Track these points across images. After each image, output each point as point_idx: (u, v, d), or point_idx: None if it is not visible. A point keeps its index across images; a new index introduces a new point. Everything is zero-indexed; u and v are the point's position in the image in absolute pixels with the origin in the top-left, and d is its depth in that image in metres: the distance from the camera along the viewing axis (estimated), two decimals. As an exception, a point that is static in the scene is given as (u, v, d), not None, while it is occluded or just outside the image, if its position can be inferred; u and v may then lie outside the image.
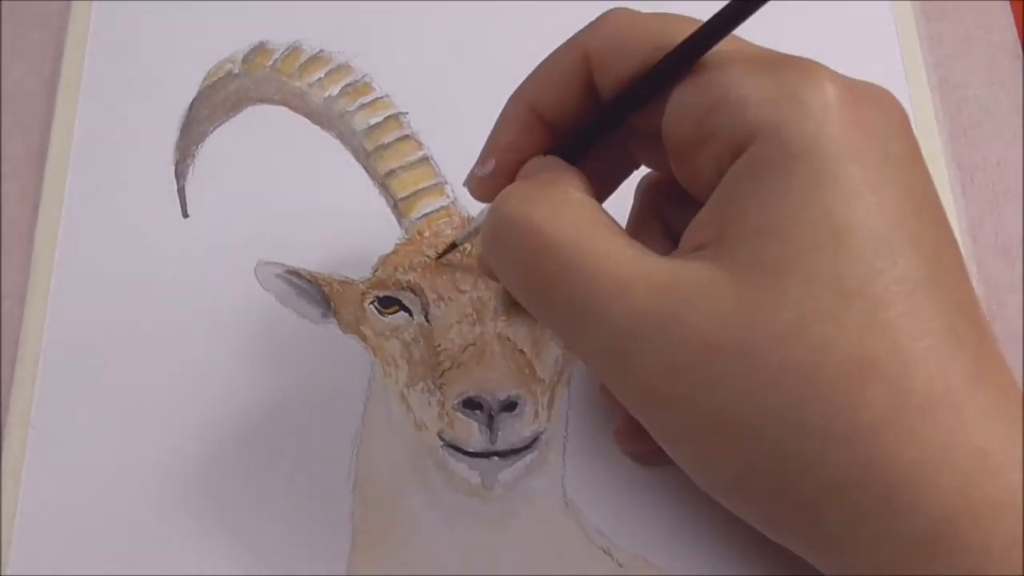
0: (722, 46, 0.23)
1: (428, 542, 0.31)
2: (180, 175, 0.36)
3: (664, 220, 0.29)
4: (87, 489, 0.31)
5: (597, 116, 0.26)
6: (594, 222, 0.23)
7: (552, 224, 0.23)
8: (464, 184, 0.29)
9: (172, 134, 0.36)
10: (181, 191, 0.36)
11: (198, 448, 0.32)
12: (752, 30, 0.38)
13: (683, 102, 0.23)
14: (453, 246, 0.32)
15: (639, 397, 0.22)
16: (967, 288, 0.22)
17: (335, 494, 0.31)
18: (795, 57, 0.23)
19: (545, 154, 0.27)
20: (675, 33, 0.23)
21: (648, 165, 0.28)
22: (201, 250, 0.35)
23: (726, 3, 0.22)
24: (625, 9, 0.25)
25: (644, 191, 0.30)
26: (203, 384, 0.33)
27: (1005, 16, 0.39)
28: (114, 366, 0.33)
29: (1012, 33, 0.39)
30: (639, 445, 0.31)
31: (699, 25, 0.23)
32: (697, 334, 0.21)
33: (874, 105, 0.22)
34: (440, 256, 0.33)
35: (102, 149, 0.36)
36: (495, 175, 0.27)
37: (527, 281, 0.24)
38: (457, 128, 0.36)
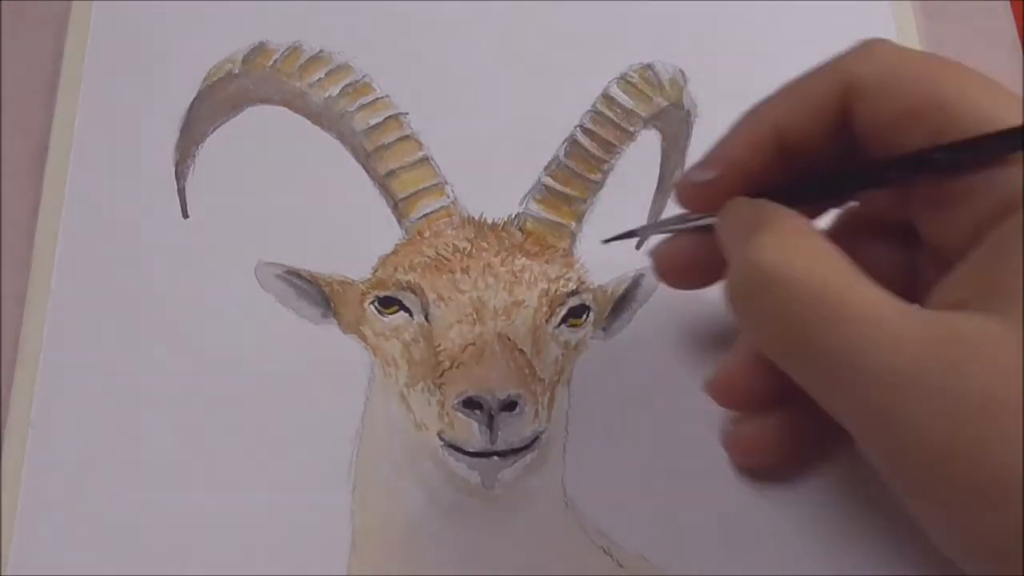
0: (990, 99, 0.22)
1: (428, 542, 0.31)
2: (180, 175, 0.36)
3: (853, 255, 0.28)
4: (87, 489, 0.31)
5: (858, 169, 0.24)
6: (853, 273, 0.22)
7: (815, 275, 0.22)
8: (672, 185, 0.27)
9: (172, 134, 0.36)
10: (181, 191, 0.36)
11: (197, 448, 0.32)
12: (752, 30, 0.38)
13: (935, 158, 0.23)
14: (632, 234, 0.31)
15: (908, 450, 0.21)
16: None
17: (335, 494, 0.31)
18: None
19: (766, 186, 0.25)
20: (952, 85, 0.22)
21: (867, 204, 0.27)
22: (201, 250, 0.35)
23: None
24: (890, 41, 0.24)
25: (842, 221, 0.28)
26: (203, 384, 0.33)
27: (1005, 16, 0.39)
28: (114, 366, 0.33)
29: (1012, 33, 0.39)
30: (756, 460, 0.30)
31: (976, 80, 0.22)
32: (977, 389, 0.20)
33: None
34: (610, 240, 0.31)
35: (102, 149, 0.36)
36: (713, 186, 0.26)
37: (787, 335, 0.23)
38: (457, 128, 0.36)
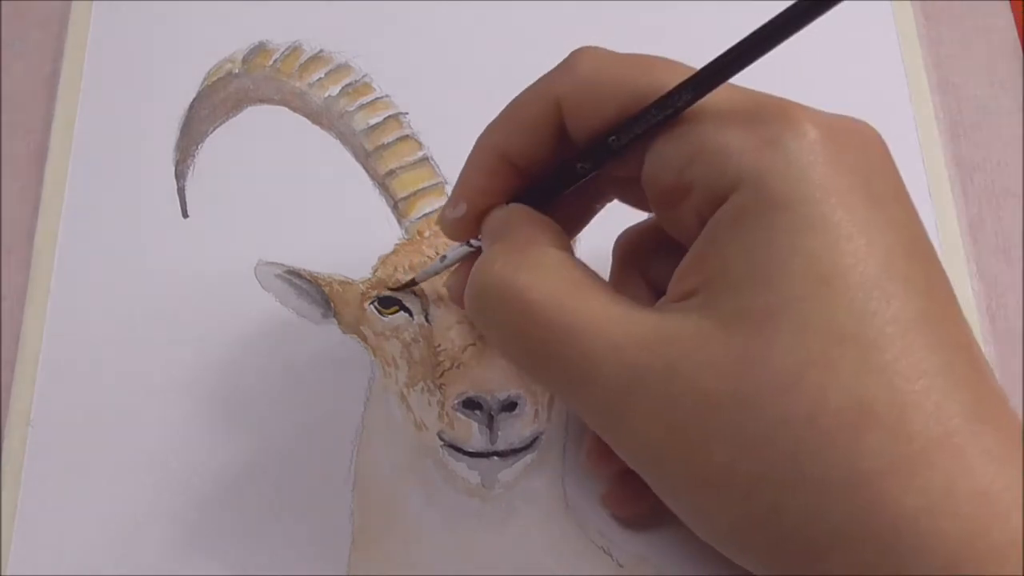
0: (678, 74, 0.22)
1: (428, 542, 0.31)
2: (180, 175, 0.36)
3: (647, 273, 0.29)
4: (87, 489, 0.31)
5: (569, 165, 0.25)
6: (578, 282, 0.23)
7: (536, 289, 0.23)
8: (435, 223, 0.28)
9: (172, 134, 0.36)
10: (181, 191, 0.36)
11: (197, 448, 0.32)
12: (752, 30, 0.38)
13: (663, 152, 0.23)
14: (413, 283, 0.32)
15: (637, 452, 0.22)
16: (962, 325, 0.22)
17: (335, 494, 0.31)
18: (774, 99, 0.22)
19: (516, 196, 0.26)
20: (651, 79, 0.23)
21: (627, 203, 0.28)
22: (201, 250, 0.35)
23: (711, 60, 0.22)
24: (596, 50, 0.24)
25: (623, 245, 0.29)
26: (203, 385, 0.33)
27: (1005, 16, 0.39)
28: (114, 366, 0.33)
29: (1012, 33, 0.39)
30: (629, 509, 0.30)
31: (674, 70, 0.23)
32: (692, 387, 0.21)
33: (855, 143, 0.22)
34: (396, 290, 0.32)
35: (102, 149, 0.36)
36: (466, 218, 0.27)
37: (517, 346, 0.24)
38: (457, 128, 0.36)
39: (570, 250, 0.25)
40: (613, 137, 0.23)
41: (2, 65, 0.38)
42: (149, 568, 0.30)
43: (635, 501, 0.30)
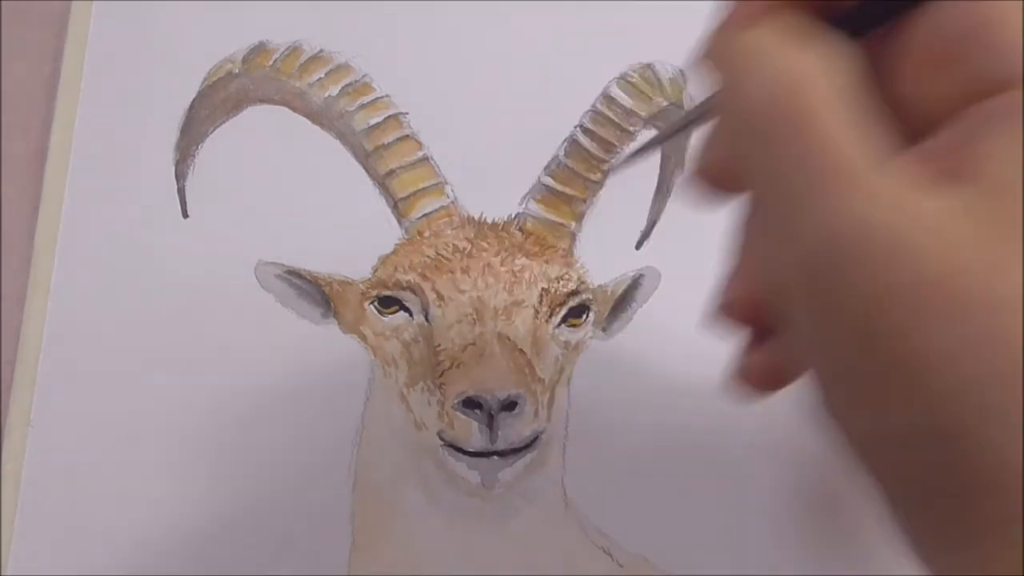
0: None
1: (428, 542, 0.31)
2: (180, 175, 0.36)
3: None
4: (87, 489, 0.31)
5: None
6: (859, 106, 0.20)
7: (817, 80, 0.20)
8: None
9: (172, 134, 0.36)
10: (181, 191, 0.36)
11: (197, 448, 0.32)
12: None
13: (942, 11, 0.21)
14: (648, 144, 0.28)
15: (846, 315, 0.20)
16: None
17: (335, 494, 0.31)
18: None
19: None
20: None
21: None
22: (201, 250, 0.35)
23: None
24: None
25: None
26: (203, 384, 0.33)
27: (1005, 16, 0.39)
28: (114, 366, 0.33)
29: (1012, 33, 0.39)
30: (767, 384, 0.27)
31: None
32: (922, 268, 0.19)
33: None
34: (616, 167, 0.31)
35: (102, 149, 0.36)
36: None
37: (758, 133, 0.21)
38: (457, 128, 0.36)
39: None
40: None
41: (2, 65, 0.38)
42: (149, 568, 0.30)
43: (779, 379, 0.27)
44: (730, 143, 0.23)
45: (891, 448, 0.20)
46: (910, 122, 0.22)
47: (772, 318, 0.24)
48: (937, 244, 0.19)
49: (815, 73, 0.21)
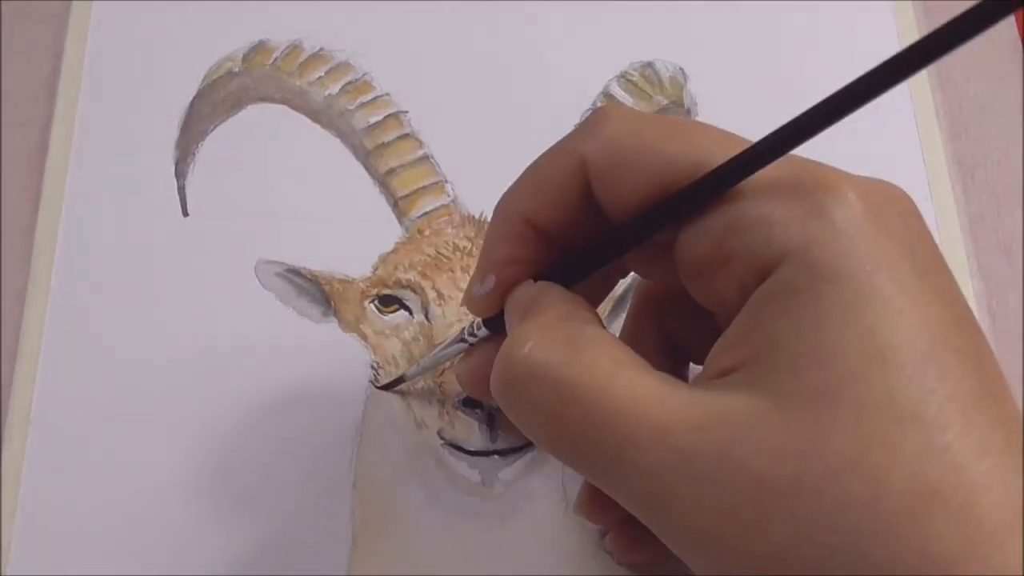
0: (711, 142, 0.22)
1: (428, 541, 0.31)
2: (180, 174, 0.36)
3: (662, 328, 0.28)
4: (87, 489, 0.31)
5: (601, 241, 0.24)
6: (617, 361, 0.22)
7: (574, 370, 0.21)
8: (462, 304, 0.27)
9: (172, 133, 0.36)
10: (181, 190, 0.36)
11: (197, 448, 0.32)
12: (753, 29, 0.38)
13: (699, 221, 0.22)
14: (401, 380, 0.31)
15: (685, 538, 0.21)
16: (1012, 399, 0.21)
17: (335, 494, 0.31)
18: (812, 165, 0.22)
19: (543, 267, 0.25)
20: (681, 145, 0.22)
21: (647, 277, 0.27)
22: (201, 249, 0.35)
23: (755, 141, 0.21)
24: (621, 110, 0.24)
25: (641, 298, 0.29)
26: (203, 384, 0.33)
27: (1005, 15, 0.39)
28: (114, 365, 0.33)
29: (1012, 33, 0.39)
30: (634, 556, 0.30)
31: (706, 135, 0.22)
32: (746, 472, 0.20)
33: (896, 210, 0.21)
34: (385, 387, 0.32)
35: (102, 149, 0.36)
36: (495, 293, 0.25)
37: (552, 432, 0.22)
38: (457, 127, 0.36)
39: (603, 326, 0.24)
40: (659, 209, 0.22)
41: (2, 65, 0.38)
42: (149, 568, 0.30)
43: (640, 548, 0.29)
44: (531, 434, 0.23)
45: None
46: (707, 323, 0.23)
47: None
48: (742, 453, 0.20)
49: (569, 366, 0.22)
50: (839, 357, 0.19)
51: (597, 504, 0.28)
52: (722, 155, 0.21)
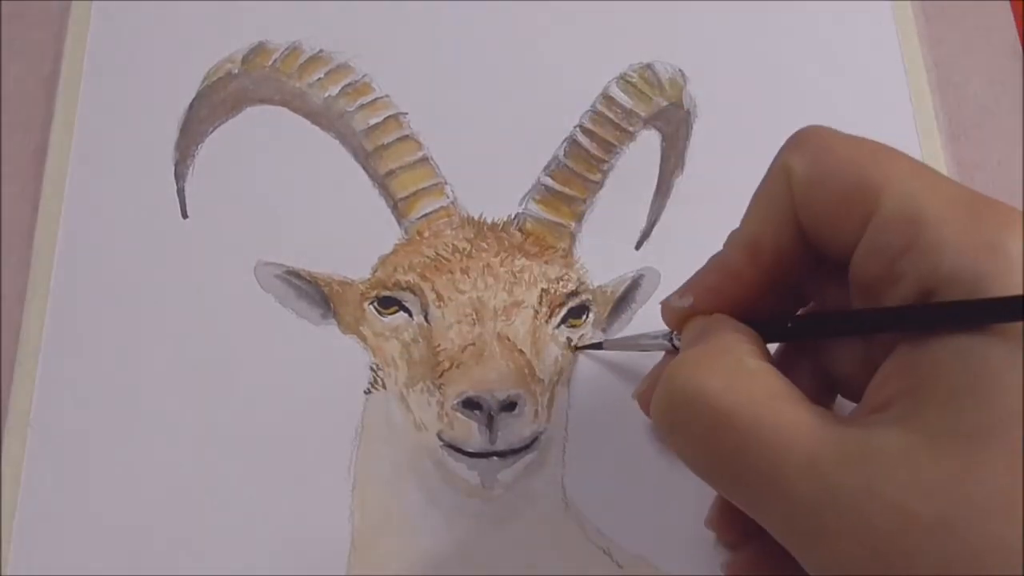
0: (917, 182, 0.22)
1: (427, 542, 0.31)
2: (180, 175, 0.36)
3: (816, 357, 0.28)
4: (87, 489, 0.31)
5: (809, 323, 0.25)
6: (773, 392, 0.22)
7: (730, 397, 0.22)
8: (660, 303, 0.28)
9: (172, 134, 0.36)
10: (181, 191, 0.36)
11: (197, 448, 0.32)
12: (753, 30, 0.38)
13: (877, 239, 0.22)
14: (599, 346, 0.32)
15: (828, 570, 0.21)
16: None
17: (335, 495, 0.31)
18: (988, 199, 0.22)
19: (743, 307, 0.26)
20: (871, 167, 0.22)
21: (816, 299, 0.27)
22: (201, 250, 0.35)
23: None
24: (821, 129, 0.24)
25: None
26: (203, 384, 0.33)
27: (1005, 16, 0.39)
28: (114, 366, 0.33)
29: (1012, 33, 0.39)
30: (733, 534, 0.29)
31: (895, 161, 0.22)
32: (895, 507, 0.20)
33: None
34: (579, 349, 0.33)
35: (102, 149, 0.36)
36: (690, 310, 0.26)
37: (706, 455, 0.23)
38: (457, 128, 0.36)
39: (769, 359, 0.24)
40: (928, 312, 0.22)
41: (2, 65, 0.38)
42: (148, 568, 0.30)
43: (738, 523, 0.28)
44: (685, 458, 0.24)
45: None
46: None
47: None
48: (891, 488, 0.20)
49: (726, 392, 0.22)
50: (998, 398, 0.19)
51: (728, 521, 0.28)
52: (909, 191, 0.22)
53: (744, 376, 0.23)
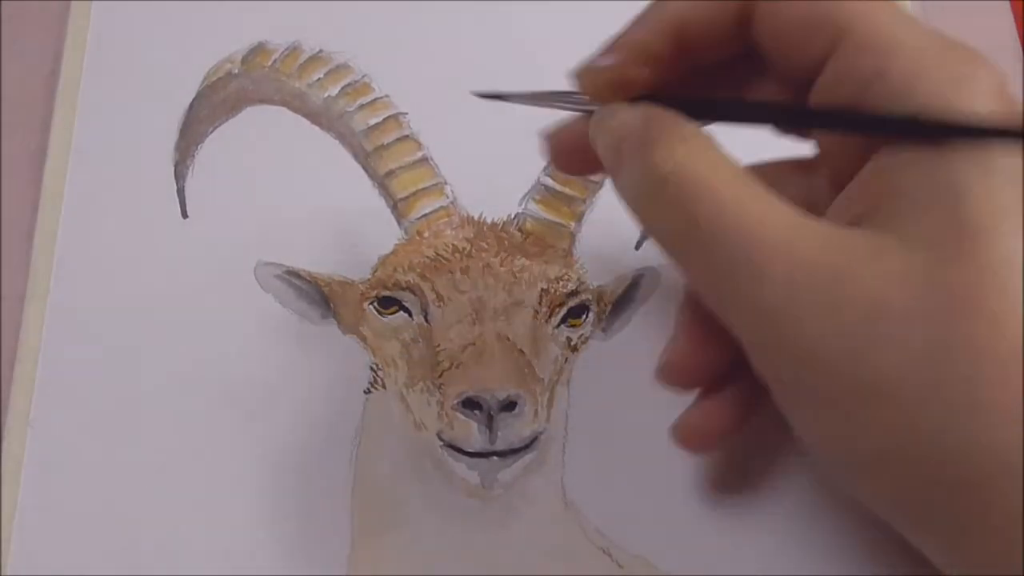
0: (886, 14, 0.22)
1: (427, 542, 0.31)
2: (180, 175, 0.36)
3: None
4: (87, 489, 0.32)
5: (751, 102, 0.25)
6: (747, 180, 0.22)
7: (718, 180, 0.22)
8: (571, 72, 0.27)
9: (172, 134, 0.36)
10: (181, 191, 0.36)
11: (197, 448, 0.32)
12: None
13: (846, 65, 0.22)
14: (500, 96, 0.31)
15: (795, 353, 0.21)
16: None
17: (335, 494, 0.31)
18: (955, 40, 0.22)
19: (657, 87, 0.25)
20: (842, 8, 0.22)
21: (735, 90, 0.27)
22: (201, 250, 0.35)
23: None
24: None
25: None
26: (202, 385, 0.33)
27: (1005, 16, 0.39)
28: (114, 366, 0.33)
29: (1012, 33, 0.39)
30: (705, 445, 0.29)
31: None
32: (867, 293, 0.20)
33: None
34: (483, 95, 0.31)
35: (102, 149, 0.36)
36: (612, 69, 0.25)
37: (683, 236, 0.23)
38: (457, 128, 0.36)
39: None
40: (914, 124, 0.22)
41: (2, 65, 0.38)
42: (148, 568, 0.31)
43: (710, 437, 0.28)
44: (664, 240, 0.24)
45: (872, 464, 0.21)
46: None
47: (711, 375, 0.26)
48: (866, 273, 0.20)
49: (711, 174, 0.22)
50: (971, 207, 0.20)
51: (685, 368, 0.27)
52: (902, 32, 0.22)
53: (724, 161, 0.23)
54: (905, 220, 0.21)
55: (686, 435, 0.28)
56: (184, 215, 0.35)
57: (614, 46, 0.26)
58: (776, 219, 0.22)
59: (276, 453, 0.32)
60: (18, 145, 0.37)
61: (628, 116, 0.25)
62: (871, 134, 0.22)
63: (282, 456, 0.32)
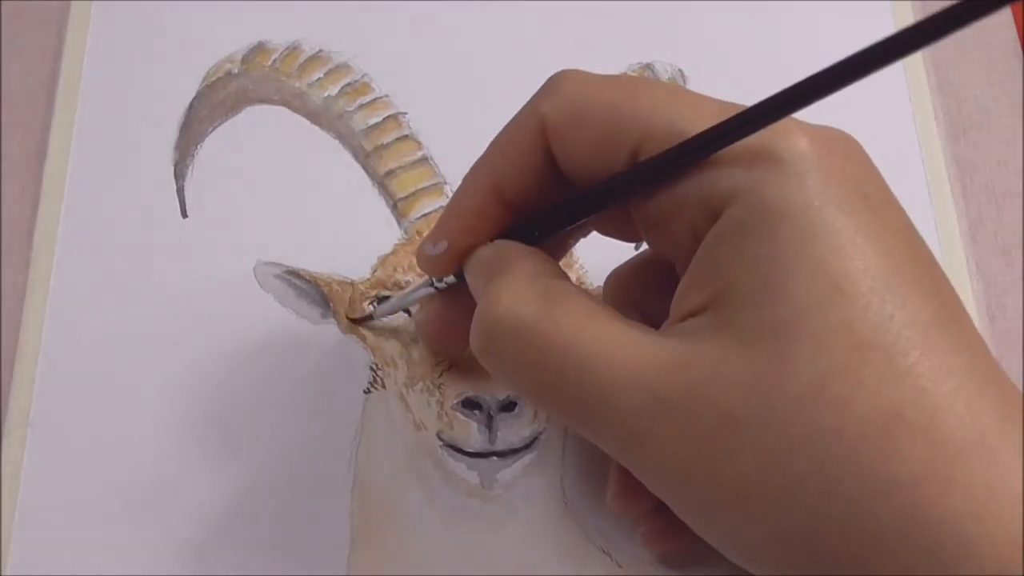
0: (680, 105, 0.22)
1: (427, 542, 0.31)
2: (180, 175, 0.36)
3: (641, 308, 0.28)
4: (87, 489, 0.31)
5: (566, 204, 0.25)
6: (589, 311, 0.23)
7: (549, 323, 0.22)
8: (415, 258, 0.28)
9: (172, 134, 0.36)
10: (180, 191, 0.36)
11: (197, 448, 0.32)
12: (752, 30, 0.38)
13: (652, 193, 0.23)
14: (370, 318, 0.32)
15: (663, 474, 0.22)
16: (972, 324, 0.21)
17: (335, 494, 0.31)
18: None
19: (502, 235, 0.26)
20: (635, 102, 0.23)
21: (608, 235, 0.27)
22: (201, 250, 0.35)
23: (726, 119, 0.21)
24: (578, 72, 0.24)
25: (613, 284, 0.29)
26: (202, 385, 0.33)
27: (1005, 16, 0.39)
28: (114, 366, 0.33)
29: (1012, 33, 0.39)
30: (669, 545, 0.30)
31: (656, 91, 0.23)
32: (715, 406, 0.20)
33: (843, 150, 0.22)
34: (356, 321, 0.33)
35: (102, 149, 0.36)
36: (446, 256, 0.26)
37: (532, 383, 0.23)
38: (457, 128, 0.36)
39: (569, 280, 0.24)
40: (632, 176, 0.23)
41: (2, 65, 0.38)
42: (148, 568, 0.30)
43: (673, 536, 0.29)
44: (513, 386, 0.25)
45: (763, 558, 0.21)
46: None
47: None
48: (710, 388, 0.21)
49: (545, 317, 0.23)
50: (795, 290, 0.20)
51: (628, 495, 0.28)
52: (693, 120, 0.22)
53: (557, 299, 0.23)
54: (737, 313, 0.21)
55: (650, 542, 0.30)
56: (184, 215, 0.35)
57: (438, 231, 0.27)
58: (614, 351, 0.22)
59: (275, 453, 0.32)
60: (18, 145, 0.37)
61: (484, 257, 0.26)
62: (634, 190, 0.23)
63: (281, 456, 0.32)
